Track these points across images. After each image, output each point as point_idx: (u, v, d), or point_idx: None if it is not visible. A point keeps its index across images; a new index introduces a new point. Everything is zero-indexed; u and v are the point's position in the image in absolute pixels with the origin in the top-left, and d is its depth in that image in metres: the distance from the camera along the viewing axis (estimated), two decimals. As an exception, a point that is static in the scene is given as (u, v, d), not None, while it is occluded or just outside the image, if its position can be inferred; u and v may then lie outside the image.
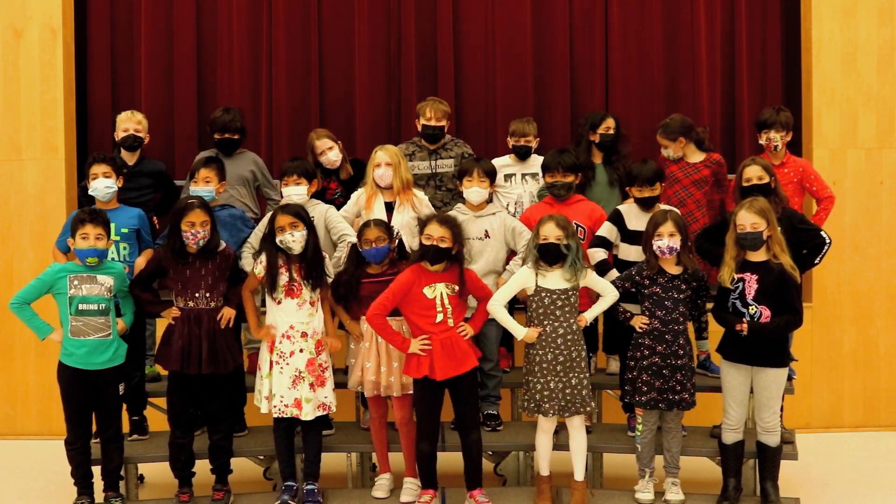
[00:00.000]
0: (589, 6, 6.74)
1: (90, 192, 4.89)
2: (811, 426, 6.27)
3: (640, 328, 4.58)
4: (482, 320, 4.65)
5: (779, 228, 4.49)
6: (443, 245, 4.45)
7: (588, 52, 6.76)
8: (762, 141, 5.33)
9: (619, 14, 6.71)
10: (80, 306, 4.45)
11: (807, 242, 4.89)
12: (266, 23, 6.68)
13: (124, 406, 4.92)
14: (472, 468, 4.58)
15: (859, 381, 6.37)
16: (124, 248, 4.89)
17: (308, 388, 4.52)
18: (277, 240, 4.53)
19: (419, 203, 5.09)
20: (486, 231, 4.98)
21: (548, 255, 4.48)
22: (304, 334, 4.54)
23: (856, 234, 6.33)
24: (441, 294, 4.49)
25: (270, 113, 6.68)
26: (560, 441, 4.72)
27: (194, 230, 4.49)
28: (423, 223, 4.55)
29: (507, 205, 5.45)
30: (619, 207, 5.06)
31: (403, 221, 5.00)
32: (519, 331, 4.54)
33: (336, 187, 5.64)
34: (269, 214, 4.73)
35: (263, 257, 4.57)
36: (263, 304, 4.70)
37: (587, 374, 4.54)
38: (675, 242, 4.52)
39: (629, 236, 4.95)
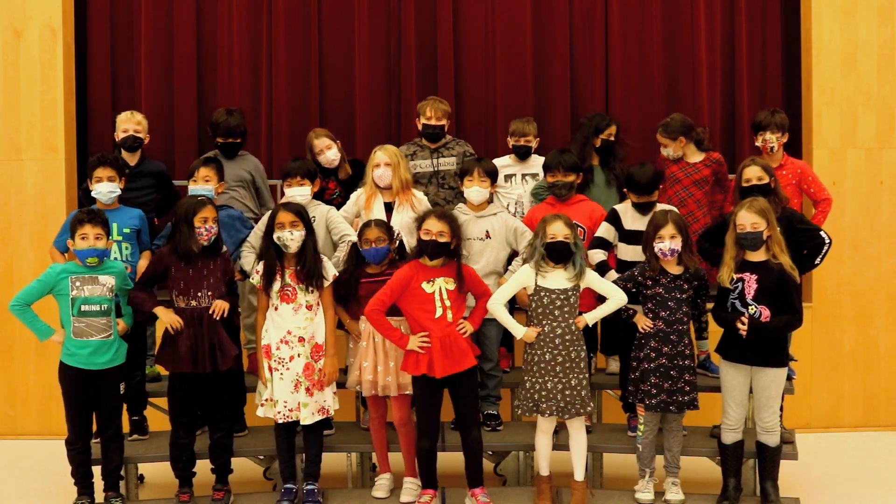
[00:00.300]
0: (589, 6, 6.74)
1: (93, 195, 4.88)
2: (811, 426, 6.26)
3: (645, 329, 4.56)
4: (481, 317, 4.64)
5: (778, 228, 4.49)
6: (441, 239, 4.45)
7: (588, 52, 6.77)
8: (758, 143, 5.33)
9: (619, 14, 6.72)
10: (83, 307, 4.45)
11: (806, 242, 4.88)
12: (266, 23, 6.69)
13: (124, 406, 4.92)
14: (473, 466, 4.57)
15: (859, 381, 6.37)
16: (126, 249, 4.89)
17: (304, 392, 4.50)
18: (275, 236, 4.51)
19: (418, 203, 5.08)
20: (487, 231, 4.97)
21: (555, 254, 4.46)
22: (300, 339, 4.52)
23: (856, 234, 6.33)
24: (440, 289, 4.48)
25: (270, 113, 6.69)
26: (560, 441, 4.72)
27: (208, 225, 4.52)
28: (420, 218, 4.55)
29: (508, 205, 5.45)
30: (616, 207, 5.05)
31: (403, 222, 5.00)
32: (518, 330, 4.53)
33: (335, 187, 5.63)
34: (268, 213, 4.73)
35: (260, 266, 4.57)
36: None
37: (587, 375, 4.53)
38: (677, 244, 4.51)
39: (626, 236, 4.94)
